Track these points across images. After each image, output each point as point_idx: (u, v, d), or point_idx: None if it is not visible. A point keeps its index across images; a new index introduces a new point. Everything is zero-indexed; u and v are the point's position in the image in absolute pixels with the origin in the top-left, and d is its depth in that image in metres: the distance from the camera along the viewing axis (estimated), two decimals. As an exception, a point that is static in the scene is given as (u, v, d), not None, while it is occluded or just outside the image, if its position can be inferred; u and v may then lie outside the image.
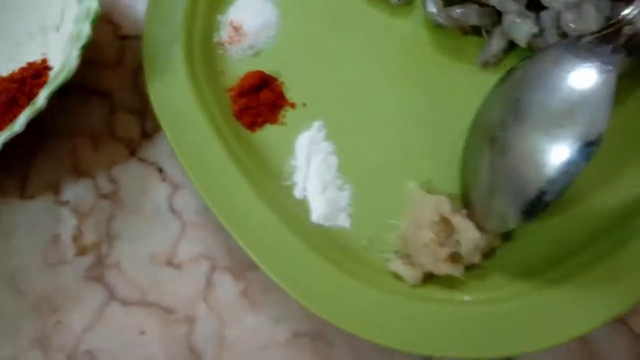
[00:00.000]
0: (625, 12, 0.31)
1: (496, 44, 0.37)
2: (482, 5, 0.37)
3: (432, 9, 0.38)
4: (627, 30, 0.31)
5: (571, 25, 0.35)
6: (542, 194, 0.29)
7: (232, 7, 0.41)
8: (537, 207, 0.29)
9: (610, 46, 0.30)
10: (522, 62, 0.33)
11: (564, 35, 0.35)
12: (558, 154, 0.29)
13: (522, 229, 0.34)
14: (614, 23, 0.31)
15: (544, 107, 0.30)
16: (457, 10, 0.37)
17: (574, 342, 0.33)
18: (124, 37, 0.42)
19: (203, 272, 0.36)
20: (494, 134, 0.32)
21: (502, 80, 0.34)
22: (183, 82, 0.38)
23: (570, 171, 0.28)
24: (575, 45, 0.31)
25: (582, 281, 0.32)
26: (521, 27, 0.35)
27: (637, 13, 0.31)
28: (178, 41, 0.38)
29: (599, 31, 0.32)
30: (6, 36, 0.38)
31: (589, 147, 0.28)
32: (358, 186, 0.36)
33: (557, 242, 0.34)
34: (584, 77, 0.29)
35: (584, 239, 0.34)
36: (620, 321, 0.34)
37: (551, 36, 0.36)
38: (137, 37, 0.41)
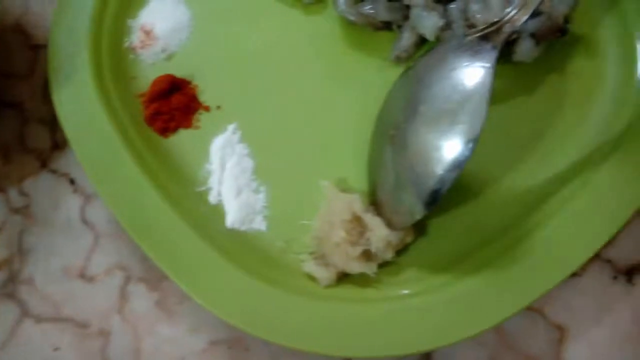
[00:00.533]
0: (507, 11, 0.32)
1: (407, 38, 0.37)
2: (390, 0, 0.37)
3: (342, 6, 0.37)
4: (507, 28, 0.31)
5: (478, 16, 0.35)
6: (438, 185, 0.29)
7: (143, 10, 0.40)
8: (435, 197, 0.30)
9: (490, 44, 0.31)
10: (417, 59, 0.34)
11: (471, 26, 0.35)
12: (447, 150, 0.29)
13: (433, 224, 0.34)
14: (496, 22, 0.32)
15: (433, 105, 0.30)
16: (367, 7, 0.37)
17: (492, 335, 0.33)
18: (35, 47, 0.41)
19: (117, 283, 0.35)
20: (392, 130, 0.32)
21: (400, 77, 0.34)
22: (90, 90, 0.37)
23: (459, 165, 0.29)
24: (459, 44, 0.31)
25: (494, 272, 0.32)
26: (428, 21, 0.35)
27: (516, 13, 0.31)
28: (85, 48, 0.38)
29: (481, 29, 0.32)
30: None
31: (471, 143, 0.29)
32: (274, 188, 0.36)
33: (468, 235, 0.34)
34: (463, 76, 0.30)
35: (494, 230, 0.34)
36: (536, 310, 0.34)
37: (459, 28, 0.35)
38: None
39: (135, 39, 0.39)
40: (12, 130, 0.39)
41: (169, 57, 0.39)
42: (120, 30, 0.40)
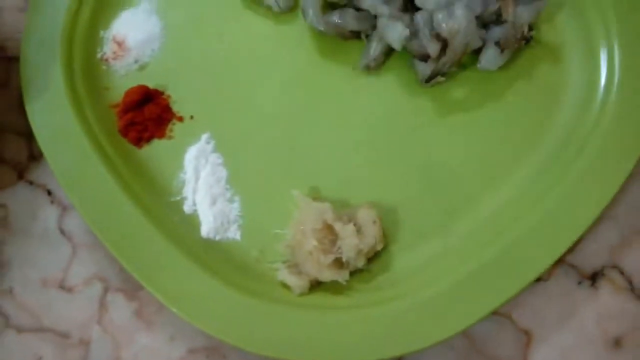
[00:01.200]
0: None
1: (375, 47, 0.37)
2: (358, 10, 0.37)
3: (311, 16, 0.38)
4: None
5: (443, 25, 0.35)
6: None
7: (115, 21, 0.40)
8: None
9: None
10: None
11: (437, 36, 0.35)
12: None
13: (403, 232, 0.35)
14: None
15: None
16: (335, 17, 0.37)
17: (461, 339, 0.34)
18: (9, 59, 0.41)
19: (96, 294, 0.36)
20: None
21: None
22: (62, 101, 0.37)
23: None
24: None
25: (462, 278, 0.33)
26: (393, 31, 0.36)
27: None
28: (57, 60, 0.38)
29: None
30: None
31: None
32: (248, 197, 0.37)
33: (435, 242, 0.35)
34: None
35: (460, 237, 0.35)
36: (503, 315, 0.35)
37: (425, 37, 0.36)
38: (22, 58, 0.40)
39: (108, 50, 0.40)
40: (-13, 142, 0.39)
41: (142, 68, 0.40)
42: (92, 41, 0.40)
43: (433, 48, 0.35)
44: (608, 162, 0.35)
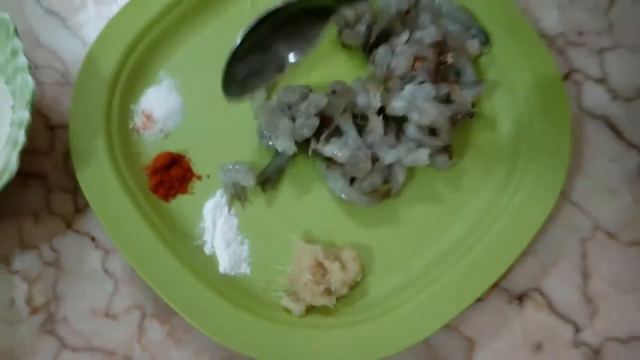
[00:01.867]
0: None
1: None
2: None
3: (336, 184, 0.47)
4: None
5: (422, 121, 0.46)
6: None
7: (143, 97, 0.49)
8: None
9: None
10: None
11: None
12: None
13: (375, 267, 0.46)
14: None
15: None
16: (364, 184, 0.46)
17: (422, 348, 0.44)
18: (53, 127, 0.50)
19: (135, 320, 0.45)
20: None
21: None
22: (105, 165, 0.46)
23: None
24: None
25: (421, 301, 0.44)
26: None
27: None
28: (99, 130, 0.47)
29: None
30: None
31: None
32: (255, 240, 0.46)
33: (399, 275, 0.45)
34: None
35: (419, 270, 0.45)
36: (453, 327, 0.45)
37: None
38: (65, 126, 0.49)
39: (138, 121, 0.49)
40: (39, 198, 0.48)
41: (166, 136, 0.49)
42: (125, 114, 0.49)
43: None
44: (530, 211, 0.46)
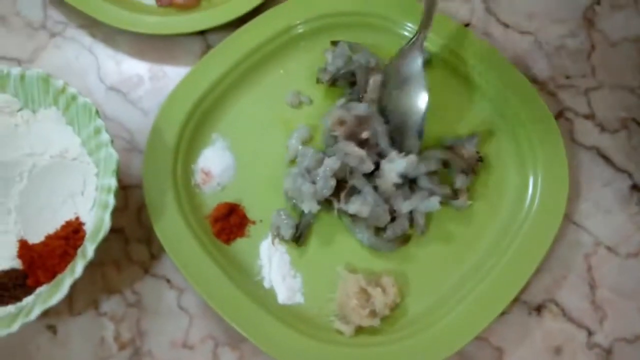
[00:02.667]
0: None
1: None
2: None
3: (364, 236, 0.55)
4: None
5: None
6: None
7: (200, 157, 0.58)
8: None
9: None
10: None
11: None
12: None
13: (411, 292, 0.53)
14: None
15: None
16: (388, 232, 0.54)
17: (456, 358, 0.52)
18: (125, 187, 0.58)
19: (210, 348, 0.52)
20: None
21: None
22: (175, 217, 0.54)
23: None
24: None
25: (453, 316, 0.51)
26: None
27: None
28: (168, 188, 0.55)
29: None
30: (47, 206, 0.53)
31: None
32: (306, 274, 0.54)
33: (435, 293, 0.53)
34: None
35: (449, 290, 0.53)
36: (483, 339, 0.52)
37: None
38: (135, 187, 0.57)
39: (198, 178, 0.57)
40: (119, 249, 0.56)
41: (223, 189, 0.57)
42: (187, 173, 0.57)
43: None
44: (539, 233, 0.53)
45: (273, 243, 0.55)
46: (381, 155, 0.55)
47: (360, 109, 0.55)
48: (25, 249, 0.51)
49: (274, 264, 0.54)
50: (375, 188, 0.54)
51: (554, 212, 0.55)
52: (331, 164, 0.53)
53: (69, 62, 0.65)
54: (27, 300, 0.49)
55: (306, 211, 0.53)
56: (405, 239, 0.55)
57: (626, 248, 0.56)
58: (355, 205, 0.53)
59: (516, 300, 0.53)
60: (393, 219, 0.54)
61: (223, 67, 0.60)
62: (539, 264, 0.53)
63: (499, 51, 0.62)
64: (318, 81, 0.61)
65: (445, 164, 0.56)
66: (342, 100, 0.58)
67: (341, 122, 0.55)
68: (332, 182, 0.53)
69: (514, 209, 0.56)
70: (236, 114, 0.60)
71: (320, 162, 0.54)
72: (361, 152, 0.53)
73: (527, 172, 0.57)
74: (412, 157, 0.53)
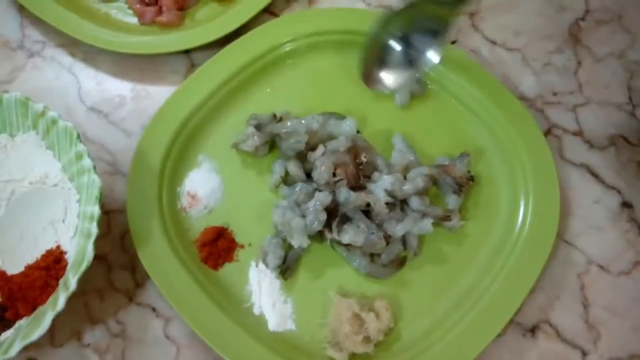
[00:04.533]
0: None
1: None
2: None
3: (360, 264, 0.53)
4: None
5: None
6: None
7: (187, 180, 0.56)
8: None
9: None
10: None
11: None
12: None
13: (403, 318, 0.52)
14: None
15: None
16: (383, 257, 0.53)
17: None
18: (107, 212, 0.56)
19: (198, 378, 0.51)
20: None
21: None
22: (161, 242, 0.52)
23: None
24: None
25: (448, 340, 0.50)
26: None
27: None
28: (153, 212, 0.53)
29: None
30: (28, 234, 0.51)
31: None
32: (297, 299, 0.53)
33: (427, 318, 0.52)
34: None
35: (442, 316, 0.52)
36: (480, 362, 0.52)
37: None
38: (118, 211, 0.56)
39: (185, 201, 0.56)
40: (102, 277, 0.54)
41: (210, 212, 0.56)
42: (172, 196, 0.56)
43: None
44: (532, 253, 0.53)
45: (257, 265, 0.53)
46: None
47: (342, 142, 0.55)
48: (3, 280, 0.49)
49: (264, 289, 0.53)
50: (367, 214, 0.53)
51: (546, 230, 0.54)
52: (322, 198, 0.52)
53: (48, 82, 0.63)
54: (6, 334, 0.47)
55: (296, 246, 0.52)
56: (401, 263, 0.54)
57: (618, 266, 0.56)
58: (349, 235, 0.52)
59: (510, 321, 0.52)
60: (387, 244, 0.53)
61: (209, 86, 0.59)
62: (533, 284, 0.52)
63: (487, 69, 0.61)
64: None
65: (435, 182, 0.55)
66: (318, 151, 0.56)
67: (341, 165, 0.54)
68: (323, 217, 0.52)
69: (506, 228, 0.55)
70: (223, 135, 0.59)
71: (310, 196, 0.53)
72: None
73: (518, 190, 0.56)
74: (398, 175, 0.53)
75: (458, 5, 0.54)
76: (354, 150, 0.55)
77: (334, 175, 0.54)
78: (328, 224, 0.52)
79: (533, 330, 0.53)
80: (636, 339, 0.53)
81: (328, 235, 0.53)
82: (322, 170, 0.53)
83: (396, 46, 0.57)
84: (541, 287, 0.54)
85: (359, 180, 0.54)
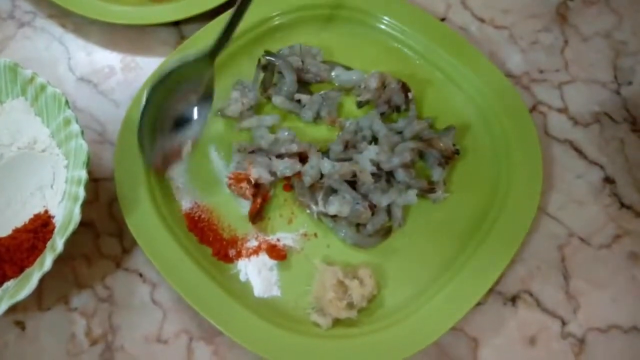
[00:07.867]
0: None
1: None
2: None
3: (346, 234, 0.54)
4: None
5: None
6: None
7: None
8: None
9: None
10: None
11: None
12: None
13: (389, 284, 0.53)
14: None
15: None
16: (369, 227, 0.54)
17: (433, 349, 0.51)
18: (96, 180, 0.57)
19: (184, 343, 0.51)
20: None
21: None
22: (149, 210, 0.53)
23: None
24: None
25: (430, 307, 0.51)
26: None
27: None
28: (141, 181, 0.54)
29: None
30: (15, 199, 0.52)
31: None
32: (282, 266, 0.53)
33: (411, 286, 0.53)
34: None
35: (427, 281, 0.53)
36: (459, 329, 0.52)
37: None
38: (107, 179, 0.56)
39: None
40: (89, 243, 0.54)
41: (198, 181, 0.57)
42: (161, 165, 0.56)
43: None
44: (514, 225, 0.54)
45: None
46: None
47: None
48: (-9, 242, 0.50)
49: (251, 257, 0.53)
50: (352, 185, 0.54)
51: (528, 203, 0.55)
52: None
53: (38, 52, 0.63)
54: (-6, 295, 0.48)
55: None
56: (386, 232, 0.55)
57: (599, 239, 0.57)
58: (334, 206, 0.53)
59: (491, 290, 0.53)
60: (372, 214, 0.53)
61: (198, 58, 0.59)
62: (514, 255, 0.53)
63: (475, 46, 0.62)
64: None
65: (421, 155, 0.56)
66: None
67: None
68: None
69: (489, 200, 0.56)
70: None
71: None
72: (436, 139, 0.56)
73: (502, 164, 0.57)
74: (384, 146, 0.54)
75: (208, 60, 0.54)
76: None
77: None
78: (314, 198, 0.54)
79: (514, 299, 0.54)
80: (615, 310, 0.54)
81: (314, 208, 0.54)
82: (372, 80, 0.57)
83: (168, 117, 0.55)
84: (523, 258, 0.55)
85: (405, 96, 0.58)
